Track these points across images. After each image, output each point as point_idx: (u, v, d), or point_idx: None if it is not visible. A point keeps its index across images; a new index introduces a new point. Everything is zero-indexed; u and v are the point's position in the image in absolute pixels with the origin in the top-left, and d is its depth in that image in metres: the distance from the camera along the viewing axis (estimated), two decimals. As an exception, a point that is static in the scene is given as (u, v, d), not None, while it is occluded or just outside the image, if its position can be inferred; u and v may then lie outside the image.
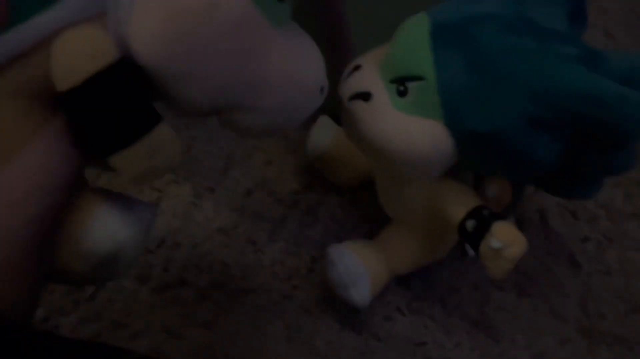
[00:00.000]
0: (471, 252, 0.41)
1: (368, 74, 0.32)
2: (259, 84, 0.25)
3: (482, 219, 0.33)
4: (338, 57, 0.43)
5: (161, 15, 0.21)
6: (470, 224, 0.33)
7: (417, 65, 0.30)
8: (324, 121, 0.47)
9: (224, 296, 0.45)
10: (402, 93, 0.31)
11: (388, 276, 0.40)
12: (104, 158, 0.22)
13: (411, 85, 0.31)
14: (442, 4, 0.32)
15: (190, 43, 0.22)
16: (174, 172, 0.52)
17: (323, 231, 0.46)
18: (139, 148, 0.22)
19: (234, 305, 0.44)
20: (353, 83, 0.32)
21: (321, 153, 0.46)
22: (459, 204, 0.34)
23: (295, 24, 0.27)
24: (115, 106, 0.22)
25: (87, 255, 0.24)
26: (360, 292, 0.38)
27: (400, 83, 0.31)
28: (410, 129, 0.31)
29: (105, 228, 0.24)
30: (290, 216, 0.48)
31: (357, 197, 0.48)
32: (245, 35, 0.23)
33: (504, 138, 0.29)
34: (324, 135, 0.46)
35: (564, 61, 0.28)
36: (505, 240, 0.31)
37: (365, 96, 0.32)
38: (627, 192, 0.44)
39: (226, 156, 0.52)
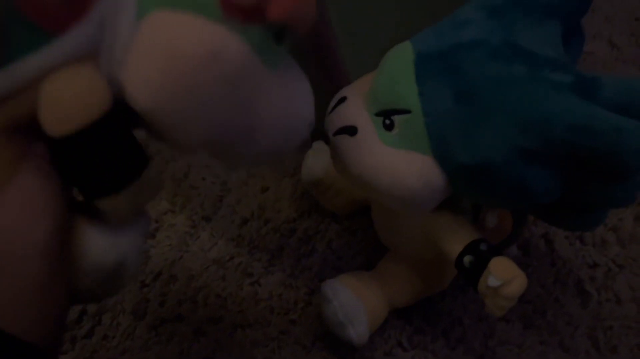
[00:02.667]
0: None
1: (353, 107, 0.31)
2: (252, 126, 0.24)
3: (480, 254, 0.31)
4: (331, 82, 0.42)
5: (160, 62, 0.21)
6: (467, 259, 0.31)
7: (402, 98, 0.29)
8: (319, 147, 0.46)
9: (220, 331, 0.43)
10: (388, 127, 0.30)
11: (387, 310, 0.39)
12: (91, 201, 0.22)
13: (397, 119, 0.29)
14: (426, 29, 0.30)
15: (188, 91, 0.21)
16: (171, 201, 0.51)
17: (320, 261, 0.45)
18: (127, 194, 0.22)
19: (231, 341, 0.43)
20: (337, 118, 0.31)
21: (316, 180, 0.45)
22: (455, 238, 0.32)
23: (288, 56, 0.27)
24: (108, 154, 0.21)
25: (94, 269, 0.23)
26: (358, 330, 0.36)
27: (386, 117, 0.30)
28: (398, 164, 0.29)
29: (106, 242, 0.23)
30: (286, 246, 0.46)
31: (354, 224, 0.47)
32: (244, 83, 0.23)
33: (495, 171, 0.28)
34: (319, 161, 0.45)
35: (556, 90, 0.26)
36: (504, 277, 0.30)
37: (351, 130, 0.30)
38: (637, 214, 0.42)
39: (222, 183, 0.51)
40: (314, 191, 0.46)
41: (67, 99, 0.20)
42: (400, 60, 0.29)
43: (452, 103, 0.28)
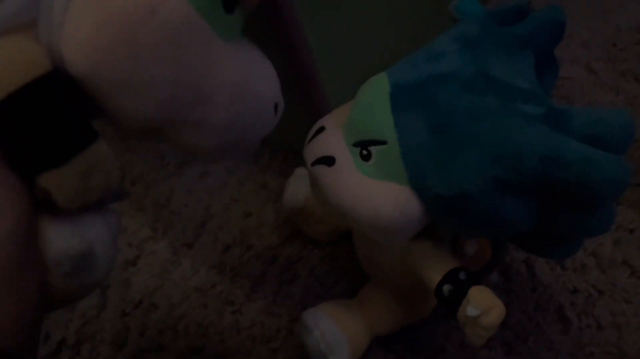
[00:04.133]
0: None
1: (331, 137, 0.31)
2: (205, 96, 0.23)
3: (459, 283, 0.31)
4: (311, 110, 0.42)
5: (95, 20, 0.20)
6: (446, 289, 0.31)
7: (378, 129, 0.29)
8: (301, 173, 0.46)
9: (202, 361, 0.43)
10: (365, 157, 0.30)
11: (369, 337, 0.39)
12: (33, 177, 0.21)
13: (374, 149, 0.29)
14: (402, 60, 0.30)
15: (126, 50, 0.20)
16: (152, 227, 0.50)
17: (303, 287, 0.45)
18: (72, 167, 0.21)
19: (212, 371, 0.42)
20: (316, 147, 0.31)
21: (298, 206, 0.45)
22: (434, 267, 0.32)
23: (248, 40, 0.26)
24: (46, 121, 0.20)
25: (59, 259, 0.22)
26: (339, 359, 0.36)
27: (363, 147, 0.30)
28: (375, 194, 0.29)
29: (69, 228, 0.22)
30: (269, 273, 0.46)
31: (336, 250, 0.46)
32: (187, 44, 0.22)
33: (471, 202, 0.28)
34: (301, 188, 0.45)
35: (527, 121, 0.26)
36: (482, 307, 0.30)
37: (329, 161, 0.30)
38: (617, 239, 0.42)
39: (204, 208, 0.51)
40: (297, 217, 0.46)
41: (0, 62, 0.19)
42: (376, 91, 0.29)
43: (427, 135, 0.28)
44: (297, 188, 0.44)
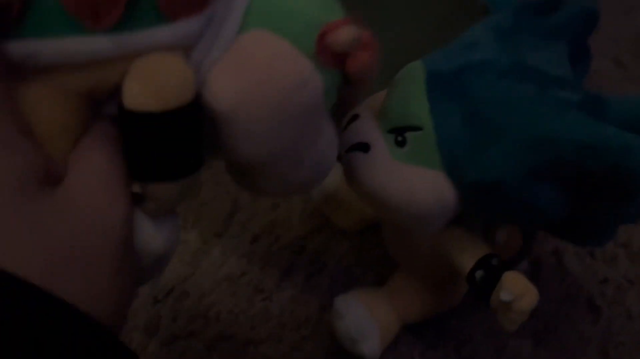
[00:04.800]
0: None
1: (366, 124, 0.32)
2: (301, 162, 0.25)
3: (491, 269, 0.32)
4: (341, 102, 0.43)
5: (256, 74, 0.22)
6: (479, 274, 0.32)
7: (414, 116, 0.29)
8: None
9: (232, 347, 0.44)
10: (400, 144, 0.30)
11: (399, 326, 0.39)
12: (141, 182, 0.22)
13: (409, 136, 0.30)
14: (437, 50, 0.31)
15: (268, 107, 0.22)
16: (183, 218, 0.51)
17: (331, 277, 0.45)
18: (179, 186, 0.22)
19: (243, 357, 0.43)
20: (351, 134, 0.32)
21: (326, 197, 0.45)
22: (466, 254, 0.33)
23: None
24: (180, 142, 0.21)
25: (140, 255, 0.23)
26: (370, 346, 0.37)
27: (399, 134, 0.30)
28: (410, 180, 0.30)
29: (153, 227, 0.23)
30: (297, 263, 0.47)
31: (364, 241, 0.47)
32: (312, 117, 0.24)
33: (505, 190, 0.28)
34: (329, 178, 0.45)
35: (564, 108, 0.27)
36: (516, 292, 0.30)
37: (364, 147, 0.31)
38: (647, 229, 0.42)
39: (232, 200, 0.52)
40: (325, 207, 0.46)
41: (158, 78, 0.20)
42: (412, 78, 0.30)
43: (462, 122, 0.28)
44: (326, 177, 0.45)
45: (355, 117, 0.32)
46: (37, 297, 0.18)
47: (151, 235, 0.23)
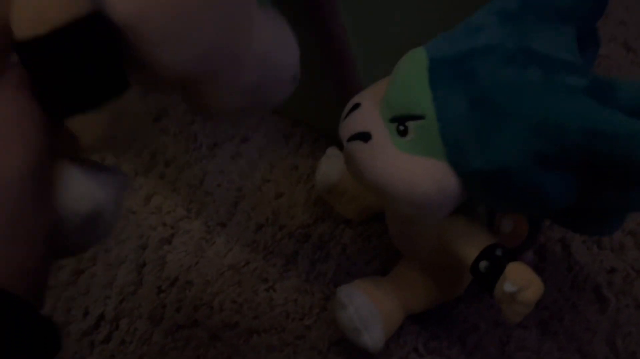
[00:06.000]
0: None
1: (367, 113, 0.31)
2: (237, 59, 0.23)
3: (496, 260, 0.31)
4: (344, 90, 0.42)
5: None
6: (483, 265, 0.31)
7: (416, 104, 0.29)
8: (333, 152, 0.46)
9: (236, 336, 0.44)
10: (402, 133, 0.30)
11: (402, 315, 0.39)
12: (63, 118, 0.21)
13: (411, 124, 0.29)
14: (440, 35, 0.30)
15: (174, 2, 0.20)
16: (187, 208, 0.51)
17: (335, 266, 0.45)
18: (103, 112, 0.20)
19: (246, 346, 0.43)
20: (351, 123, 0.31)
21: (330, 186, 0.45)
22: (470, 244, 0.32)
23: (272, 8, 0.26)
24: (85, 63, 0.20)
25: (69, 215, 0.22)
26: (373, 336, 0.36)
27: (400, 122, 0.30)
28: (412, 170, 0.29)
29: (83, 188, 0.22)
30: (301, 252, 0.46)
31: (368, 230, 0.47)
32: (233, 6, 0.22)
33: (511, 176, 0.27)
34: (333, 167, 0.45)
35: (571, 93, 0.26)
36: (520, 283, 0.30)
37: (365, 136, 0.30)
38: (656, 218, 0.41)
39: (236, 189, 0.52)
40: (328, 197, 0.46)
41: None
42: (414, 66, 0.29)
43: (466, 109, 0.28)
44: (329, 167, 0.45)
45: (357, 106, 0.32)
46: None
47: (81, 193, 0.22)
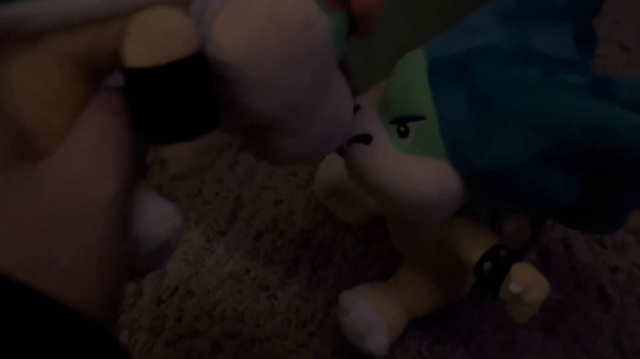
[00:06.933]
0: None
1: (367, 115, 0.31)
2: (318, 111, 0.24)
3: (500, 261, 0.31)
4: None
5: (260, 19, 0.21)
6: (487, 266, 0.31)
7: (416, 105, 0.29)
8: (332, 158, 0.46)
9: (238, 346, 0.43)
10: (403, 134, 0.29)
11: (406, 319, 0.38)
12: (157, 145, 0.21)
13: (412, 125, 0.29)
14: (438, 36, 0.30)
15: (277, 52, 0.21)
16: (186, 217, 0.51)
17: (336, 272, 0.45)
18: (197, 145, 0.21)
19: (249, 355, 0.43)
20: (352, 126, 0.31)
21: (330, 191, 0.45)
22: (474, 245, 0.32)
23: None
24: (191, 96, 0.20)
25: (145, 239, 0.22)
26: (377, 341, 0.36)
27: (401, 124, 0.29)
28: (414, 171, 0.29)
29: (163, 212, 0.22)
30: (302, 258, 0.46)
31: (369, 234, 0.46)
32: (323, 61, 0.23)
33: (513, 176, 0.27)
34: (332, 172, 0.45)
35: (572, 91, 0.26)
36: (525, 283, 0.29)
37: (365, 139, 0.30)
38: (657, 216, 0.41)
39: (235, 198, 0.51)
40: (328, 202, 0.46)
41: (160, 31, 0.19)
42: (413, 67, 0.29)
43: (466, 109, 0.28)
44: (328, 171, 0.44)
45: (357, 108, 0.32)
46: (8, 289, 0.16)
47: (162, 217, 0.22)
